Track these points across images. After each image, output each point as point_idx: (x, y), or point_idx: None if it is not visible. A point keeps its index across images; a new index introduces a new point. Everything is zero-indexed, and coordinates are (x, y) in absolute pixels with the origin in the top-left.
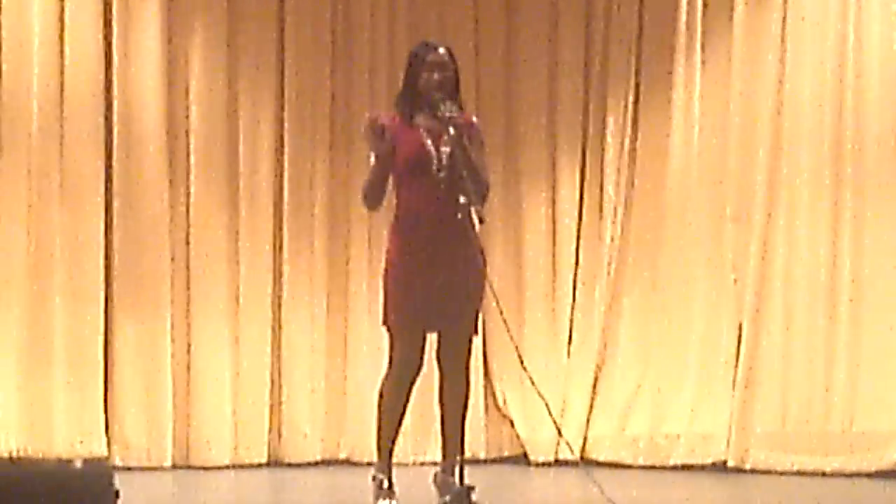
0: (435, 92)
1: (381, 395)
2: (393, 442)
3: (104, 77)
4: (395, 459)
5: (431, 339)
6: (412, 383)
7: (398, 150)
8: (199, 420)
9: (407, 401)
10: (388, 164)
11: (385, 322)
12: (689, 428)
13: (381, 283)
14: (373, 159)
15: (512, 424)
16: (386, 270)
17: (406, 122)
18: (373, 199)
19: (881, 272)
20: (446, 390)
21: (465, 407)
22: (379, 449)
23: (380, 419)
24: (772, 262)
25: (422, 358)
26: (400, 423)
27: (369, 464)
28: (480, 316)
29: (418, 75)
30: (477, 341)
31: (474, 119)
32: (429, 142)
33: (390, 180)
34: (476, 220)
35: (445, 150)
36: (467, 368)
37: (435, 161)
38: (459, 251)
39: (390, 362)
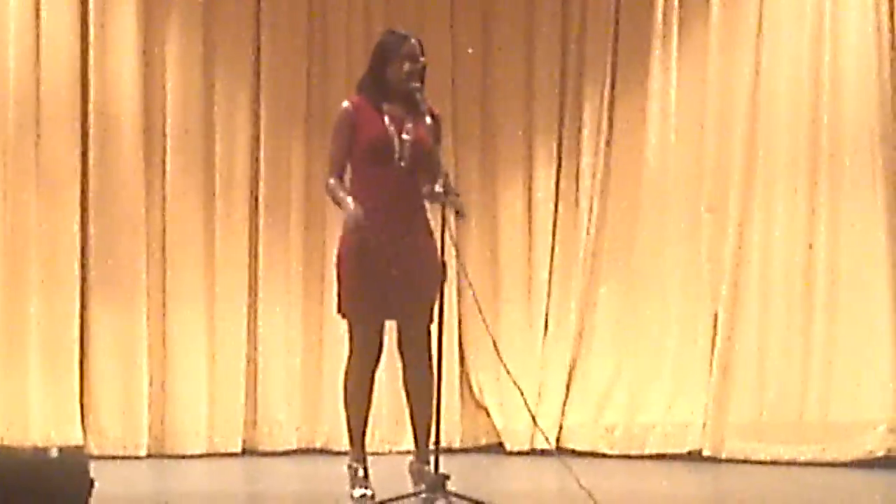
0: (409, 82)
1: (345, 385)
2: (364, 430)
3: (80, 69)
4: (370, 448)
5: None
6: (374, 371)
7: (359, 136)
8: (174, 409)
9: (371, 388)
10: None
11: (340, 310)
12: (665, 417)
13: (334, 272)
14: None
15: (487, 414)
16: (339, 258)
17: (371, 106)
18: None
19: (856, 263)
20: (409, 380)
21: (432, 395)
22: (351, 438)
23: (347, 409)
24: (747, 253)
25: (381, 345)
26: (367, 411)
27: (345, 453)
28: (454, 305)
29: (390, 64)
30: (453, 331)
31: (436, 111)
32: (392, 129)
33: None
34: (452, 213)
35: (407, 138)
36: (430, 357)
37: (397, 150)
38: (414, 240)
39: (350, 351)
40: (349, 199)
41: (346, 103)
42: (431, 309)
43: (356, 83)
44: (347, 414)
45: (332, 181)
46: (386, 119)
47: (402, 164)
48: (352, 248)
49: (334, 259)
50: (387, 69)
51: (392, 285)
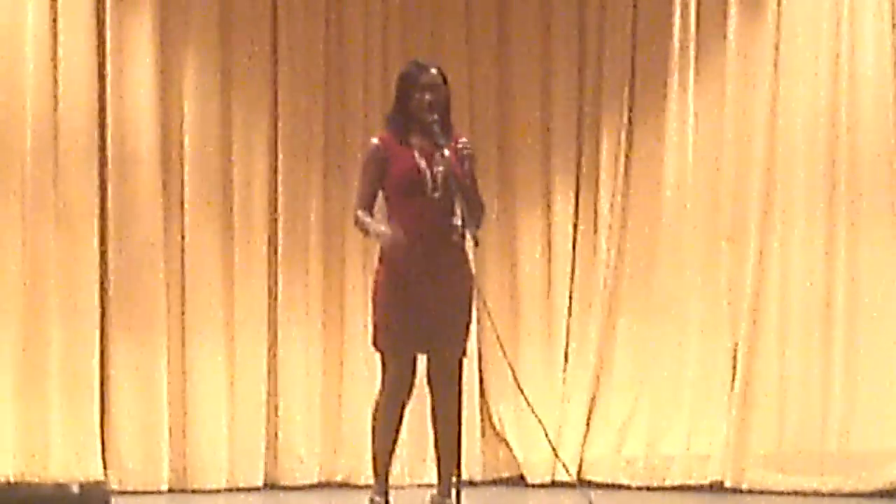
0: (428, 114)
1: (374, 417)
2: (388, 463)
3: (98, 99)
4: (391, 481)
5: (423, 358)
6: (404, 404)
7: (391, 170)
8: (194, 443)
9: (400, 422)
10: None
11: (375, 343)
12: (686, 448)
13: (369, 305)
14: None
15: (508, 446)
16: (375, 291)
17: (399, 142)
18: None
19: (876, 292)
20: (438, 412)
21: (459, 428)
22: (375, 471)
23: (374, 441)
24: (767, 282)
25: (413, 378)
26: (395, 445)
27: (366, 486)
28: (473, 336)
29: (411, 95)
30: (473, 363)
31: (463, 138)
32: (422, 162)
33: (380, 198)
34: (471, 242)
35: (439, 170)
36: (459, 390)
37: (429, 182)
38: (450, 273)
39: (382, 384)
40: (382, 227)
41: (374, 139)
42: (465, 341)
43: (373, 112)
44: (374, 447)
45: (359, 212)
46: (416, 153)
47: (437, 195)
48: (387, 281)
49: (370, 292)
50: (409, 101)
51: (426, 319)
